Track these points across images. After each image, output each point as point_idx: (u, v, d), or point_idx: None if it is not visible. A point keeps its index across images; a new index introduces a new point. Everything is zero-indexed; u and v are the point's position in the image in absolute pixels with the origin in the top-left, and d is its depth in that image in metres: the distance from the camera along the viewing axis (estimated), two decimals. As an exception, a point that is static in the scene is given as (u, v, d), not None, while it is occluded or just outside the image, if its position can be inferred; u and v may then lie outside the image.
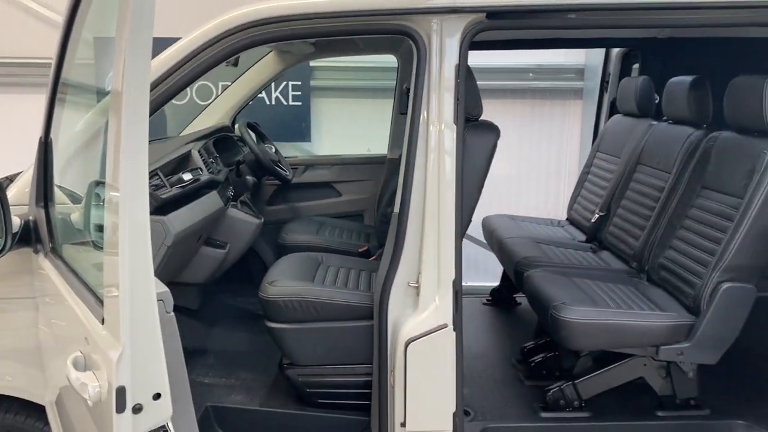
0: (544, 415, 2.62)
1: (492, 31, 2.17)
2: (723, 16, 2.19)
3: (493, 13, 2.13)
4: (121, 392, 1.25)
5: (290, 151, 4.68)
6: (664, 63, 3.81)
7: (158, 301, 1.33)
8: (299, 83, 4.80)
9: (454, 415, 2.20)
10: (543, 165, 5.05)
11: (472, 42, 2.12)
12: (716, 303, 2.44)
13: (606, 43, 4.04)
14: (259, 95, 4.54)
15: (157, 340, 1.30)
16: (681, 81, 3.10)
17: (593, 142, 4.15)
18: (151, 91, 2.02)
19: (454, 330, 2.16)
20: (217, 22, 2.07)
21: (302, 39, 2.94)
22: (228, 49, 2.08)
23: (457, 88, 2.13)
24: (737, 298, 2.44)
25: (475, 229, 4.07)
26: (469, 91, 2.28)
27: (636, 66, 4.04)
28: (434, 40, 2.12)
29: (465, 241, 4.79)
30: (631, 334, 2.51)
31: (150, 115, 2.03)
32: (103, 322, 1.39)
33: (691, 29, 3.14)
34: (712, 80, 2.98)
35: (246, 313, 3.45)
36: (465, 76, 2.15)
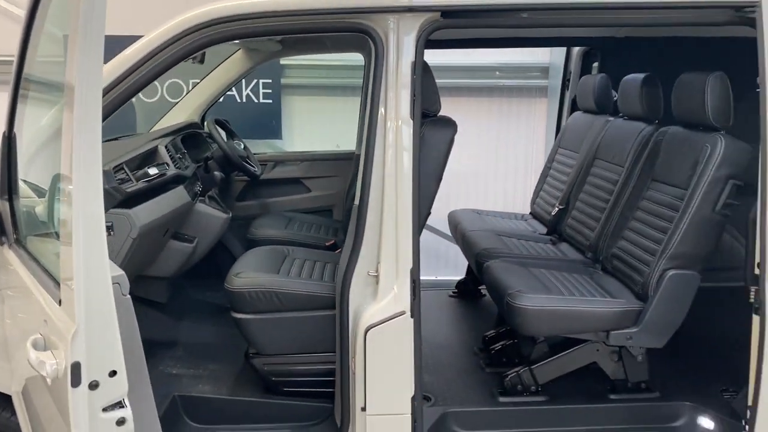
0: (502, 399, 2.71)
1: (449, 29, 2.25)
2: (665, 16, 2.31)
3: (447, 12, 2.21)
4: (76, 367, 1.31)
5: (261, 148, 4.72)
6: (622, 61, 3.92)
7: (114, 284, 1.39)
8: (270, 81, 4.85)
9: (412, 399, 2.28)
10: (510, 161, 5.16)
11: (436, 41, 2.20)
12: (662, 289, 2.55)
13: (566, 42, 4.16)
14: (230, 93, 4.57)
15: (112, 319, 1.35)
16: (634, 78, 3.22)
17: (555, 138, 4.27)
18: (113, 88, 2.08)
19: (412, 317, 2.23)
20: (177, 21, 2.13)
21: (262, 37, 2.99)
22: (188, 47, 2.13)
23: (413, 84, 2.20)
24: (682, 285, 2.56)
25: (443, 222, 4.17)
26: (426, 88, 2.36)
27: (596, 64, 4.16)
28: (391, 38, 2.20)
29: (434, 237, 4.91)
30: (582, 320, 2.61)
31: (113, 111, 2.11)
32: (60, 303, 1.45)
33: (646, 29, 3.26)
34: (666, 77, 3.08)
35: (214, 306, 3.49)
36: (422, 72, 2.23)
